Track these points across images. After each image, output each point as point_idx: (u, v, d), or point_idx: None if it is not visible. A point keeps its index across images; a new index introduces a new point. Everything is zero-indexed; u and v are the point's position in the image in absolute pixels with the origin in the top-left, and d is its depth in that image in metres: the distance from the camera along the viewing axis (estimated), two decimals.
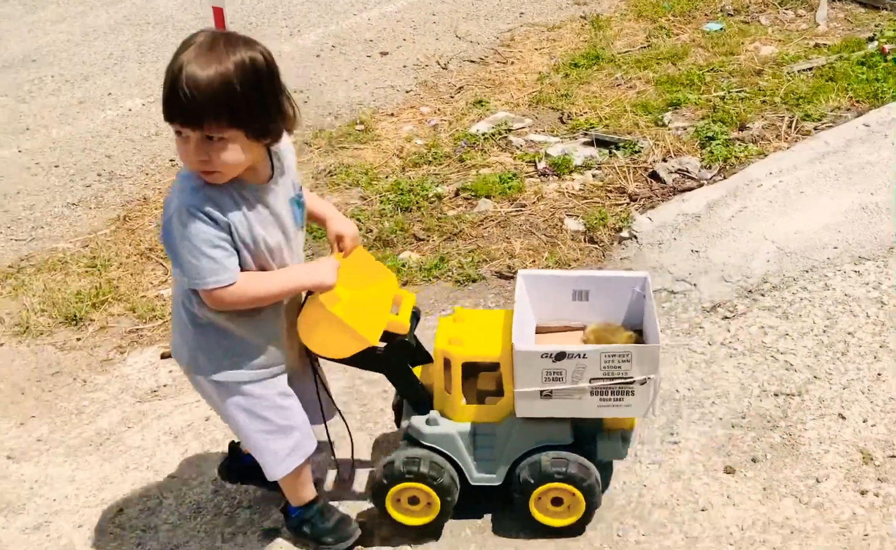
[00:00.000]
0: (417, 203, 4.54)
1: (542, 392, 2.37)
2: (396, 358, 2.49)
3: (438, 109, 5.86)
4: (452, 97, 6.03)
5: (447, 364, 2.47)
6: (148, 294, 4.06)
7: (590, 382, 2.36)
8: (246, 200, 2.27)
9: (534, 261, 3.98)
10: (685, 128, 5.06)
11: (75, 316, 3.92)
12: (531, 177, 4.74)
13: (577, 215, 4.30)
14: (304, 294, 2.43)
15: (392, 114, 5.84)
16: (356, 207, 4.60)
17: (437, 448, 2.51)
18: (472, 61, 6.67)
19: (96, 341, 3.80)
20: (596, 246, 4.07)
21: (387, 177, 4.92)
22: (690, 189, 4.39)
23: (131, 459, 3.14)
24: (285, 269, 2.38)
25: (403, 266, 3.97)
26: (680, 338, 3.43)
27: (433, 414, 2.52)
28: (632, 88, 5.78)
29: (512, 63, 6.51)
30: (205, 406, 2.92)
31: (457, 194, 4.61)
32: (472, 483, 2.56)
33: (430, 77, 6.43)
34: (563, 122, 5.41)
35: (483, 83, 6.22)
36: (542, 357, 2.33)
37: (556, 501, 2.53)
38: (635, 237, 4.07)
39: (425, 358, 2.57)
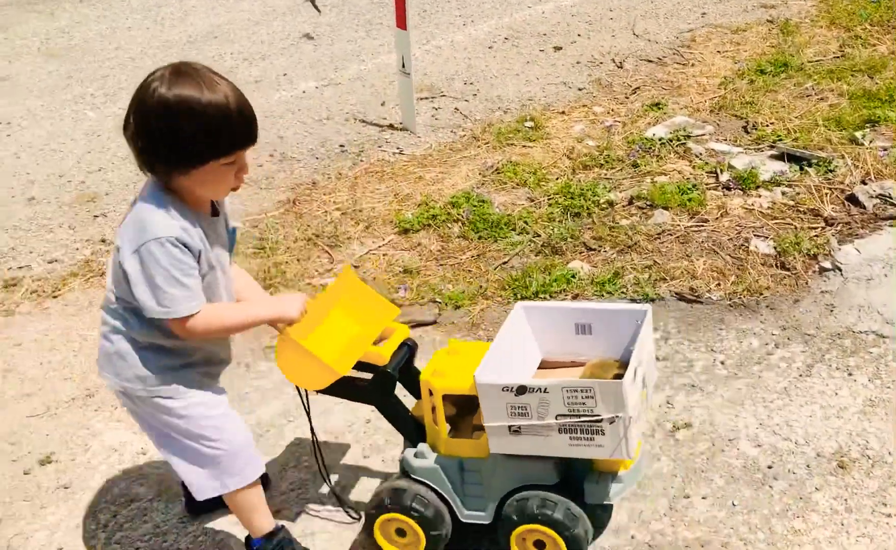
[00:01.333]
0: (588, 209, 4.35)
1: (510, 427, 2.29)
2: (379, 390, 2.50)
3: (612, 110, 5.64)
4: (627, 98, 5.80)
5: (431, 394, 2.44)
6: (314, 281, 4.05)
7: (556, 419, 2.25)
8: (206, 232, 2.34)
9: (718, 284, 3.71)
10: (886, 149, 4.66)
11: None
12: (712, 189, 4.46)
13: (767, 236, 3.99)
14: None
15: (563, 112, 5.66)
16: (523, 209, 4.46)
17: (425, 481, 2.47)
18: (650, 61, 6.40)
19: (263, 326, 3.81)
20: (788, 273, 3.76)
21: (556, 179, 4.75)
22: (894, 217, 4.01)
23: (291, 455, 3.10)
24: (251, 301, 2.53)
25: (573, 277, 3.80)
26: (891, 390, 3.11)
27: (422, 446, 2.50)
28: (823, 100, 5.38)
29: (692, 65, 6.21)
30: (366, 408, 2.84)
31: (630, 202, 4.40)
32: (463, 520, 2.49)
33: (605, 75, 6.21)
34: (747, 132, 5.10)
35: (661, 85, 5.95)
36: (503, 390, 2.26)
37: (539, 544, 2.42)
38: (839, 269, 3.72)
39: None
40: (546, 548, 2.42)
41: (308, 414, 2.67)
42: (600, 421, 2.21)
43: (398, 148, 5.34)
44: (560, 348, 2.57)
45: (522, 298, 3.66)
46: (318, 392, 2.55)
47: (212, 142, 2.21)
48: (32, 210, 4.80)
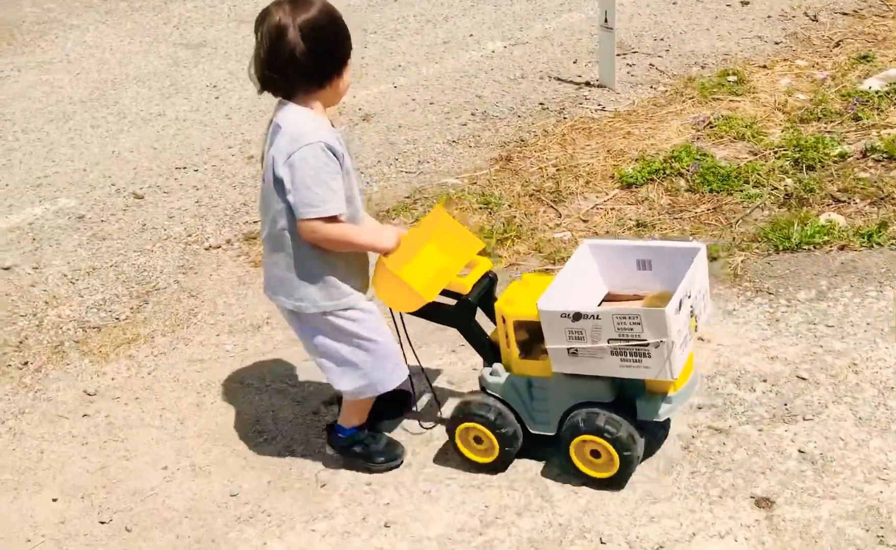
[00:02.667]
0: (821, 161, 4.26)
1: (568, 349, 2.54)
2: (461, 316, 2.81)
3: (816, 63, 5.49)
4: (831, 50, 5.63)
5: (504, 321, 2.72)
6: (544, 235, 4.09)
7: (608, 343, 2.48)
8: (341, 139, 2.65)
9: None
10: None
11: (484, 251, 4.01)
12: None
13: None
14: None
15: (764, 67, 5.54)
16: (746, 162, 4.40)
17: (498, 396, 2.76)
18: (845, 14, 6.20)
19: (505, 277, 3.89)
20: None
21: (773, 133, 4.66)
22: None
23: None
24: (362, 227, 2.76)
25: (833, 229, 3.70)
26: None
27: (496, 366, 2.80)
28: None
29: (894, 17, 5.98)
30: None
31: (864, 155, 4.28)
32: (532, 431, 2.78)
33: (800, 29, 6.05)
34: None
35: (863, 37, 5.76)
36: (561, 316, 2.52)
37: (595, 454, 2.68)
38: None
39: None
40: (600, 458, 2.68)
41: (398, 334, 2.95)
42: (647, 345, 2.45)
43: (599, 104, 5.32)
44: (623, 283, 2.81)
45: (784, 250, 3.64)
46: (408, 313, 2.87)
47: (348, 45, 2.62)
48: (255, 168, 4.98)
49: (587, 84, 5.59)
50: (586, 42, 6.19)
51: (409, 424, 3.10)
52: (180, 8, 7.34)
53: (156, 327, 3.78)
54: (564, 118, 5.19)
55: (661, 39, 6.11)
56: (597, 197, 4.35)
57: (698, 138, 4.72)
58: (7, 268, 4.24)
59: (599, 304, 2.79)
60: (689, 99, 5.24)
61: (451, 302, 2.86)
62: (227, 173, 4.96)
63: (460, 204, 4.40)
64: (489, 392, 2.79)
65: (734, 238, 3.81)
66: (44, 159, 5.22)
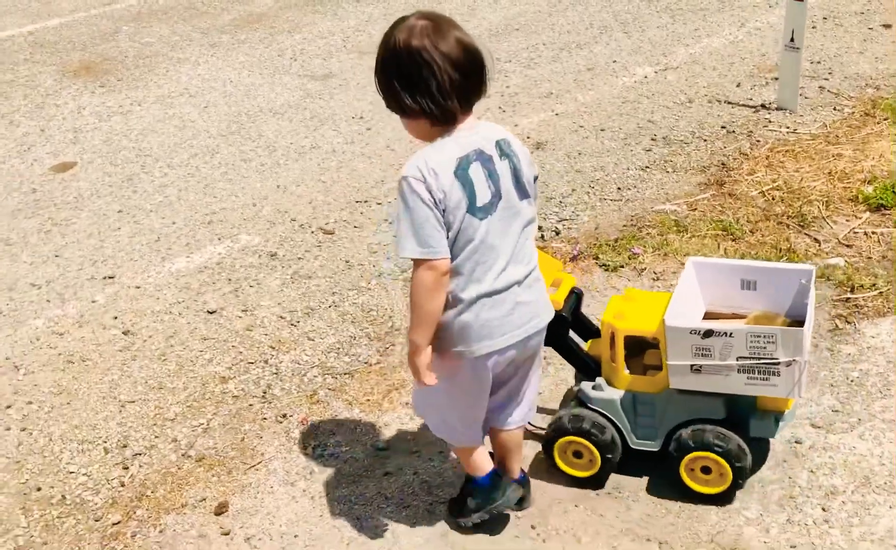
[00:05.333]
0: None
1: (692, 366, 2.54)
2: (556, 332, 2.73)
3: None
4: None
5: (613, 336, 2.71)
6: (818, 259, 3.80)
7: (737, 360, 2.49)
8: None
9: None
10: None
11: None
12: None
13: None
14: None
15: None
16: None
17: (601, 411, 2.73)
18: None
19: None
20: None
21: None
22: None
23: None
24: None
25: None
26: None
27: (599, 380, 2.77)
28: None
29: None
30: None
31: None
32: (633, 447, 2.75)
33: None
34: None
35: None
36: (690, 333, 2.52)
37: (706, 470, 2.66)
38: None
39: (596, 333, 2.89)
40: (711, 473, 2.65)
41: None
42: (778, 363, 2.45)
43: (787, 127, 5.07)
44: (723, 301, 2.82)
45: None
46: None
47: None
48: None
49: (763, 106, 5.34)
50: (739, 65, 5.96)
51: None
52: (289, 40, 7.00)
53: None
54: (758, 141, 4.93)
55: (819, 62, 5.90)
56: (847, 220, 4.08)
57: None
58: (213, 312, 3.86)
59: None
60: (884, 120, 5.01)
61: None
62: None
63: (694, 232, 4.11)
64: (591, 407, 2.76)
65: None
66: (203, 195, 4.84)
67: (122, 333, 3.79)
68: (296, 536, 2.77)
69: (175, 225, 4.58)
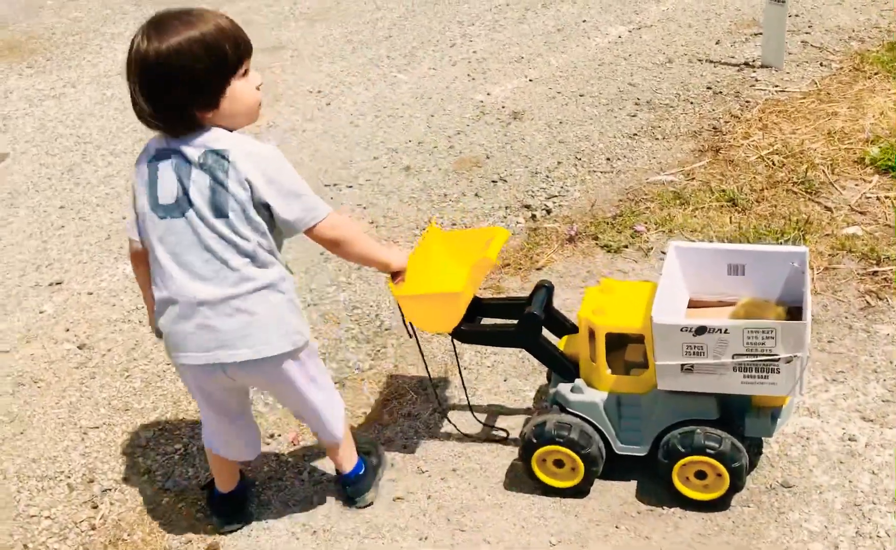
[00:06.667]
0: None
1: (683, 366, 2.32)
2: (527, 332, 2.53)
3: None
4: None
5: (591, 334, 2.45)
6: (837, 231, 3.54)
7: (733, 358, 2.28)
8: None
9: None
10: None
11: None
12: None
13: None
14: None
15: None
16: None
17: (582, 415, 2.50)
18: None
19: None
20: None
21: None
22: None
23: None
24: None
25: None
26: None
27: (578, 382, 2.53)
28: None
29: None
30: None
31: None
32: (618, 452, 2.53)
33: None
34: None
35: None
36: (681, 330, 2.29)
37: (700, 475, 2.45)
38: None
39: (572, 329, 2.63)
40: (706, 478, 2.44)
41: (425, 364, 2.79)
42: (777, 360, 2.24)
43: (775, 85, 4.81)
44: (708, 288, 2.58)
45: None
46: (464, 341, 2.65)
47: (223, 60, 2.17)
48: (419, 180, 4.28)
49: (746, 64, 5.07)
50: (715, 21, 5.68)
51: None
52: (233, 8, 6.50)
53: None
54: (748, 102, 4.66)
55: (797, 16, 5.65)
56: (856, 184, 3.83)
57: None
58: None
59: (684, 313, 2.57)
60: (875, 75, 4.78)
61: (511, 321, 2.61)
62: (388, 188, 4.24)
63: (696, 204, 3.82)
64: (570, 411, 2.51)
65: None
66: None
67: (77, 347, 3.38)
68: None
69: (125, 219, 4.14)
